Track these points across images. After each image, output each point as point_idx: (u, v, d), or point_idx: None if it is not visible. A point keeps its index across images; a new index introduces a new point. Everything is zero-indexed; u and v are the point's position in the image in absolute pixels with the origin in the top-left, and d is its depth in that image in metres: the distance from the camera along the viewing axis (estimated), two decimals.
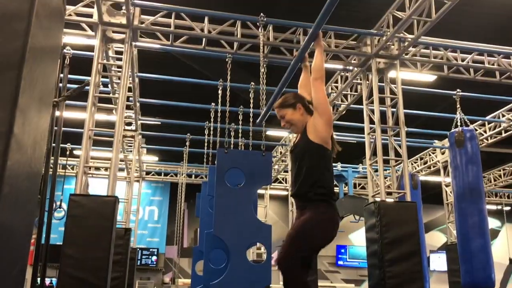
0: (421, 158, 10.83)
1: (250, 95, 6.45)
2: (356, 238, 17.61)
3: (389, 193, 5.32)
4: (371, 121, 5.71)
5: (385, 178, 5.31)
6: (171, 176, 12.53)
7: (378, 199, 5.11)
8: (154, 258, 15.95)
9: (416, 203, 4.99)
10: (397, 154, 5.61)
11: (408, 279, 4.68)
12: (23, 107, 1.37)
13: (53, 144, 4.82)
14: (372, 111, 5.62)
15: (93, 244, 4.22)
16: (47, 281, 11.13)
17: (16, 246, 1.42)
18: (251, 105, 6.71)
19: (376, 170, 5.29)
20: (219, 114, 7.05)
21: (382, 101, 5.70)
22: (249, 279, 4.88)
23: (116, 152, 4.55)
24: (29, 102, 1.43)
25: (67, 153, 9.10)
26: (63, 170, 10.76)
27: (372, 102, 5.62)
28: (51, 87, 1.75)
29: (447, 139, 9.64)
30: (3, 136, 1.28)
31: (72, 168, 11.59)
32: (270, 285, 5.08)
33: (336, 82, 7.23)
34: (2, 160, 1.28)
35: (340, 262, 17.74)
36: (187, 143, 9.05)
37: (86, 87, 4.95)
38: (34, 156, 1.54)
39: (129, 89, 6.79)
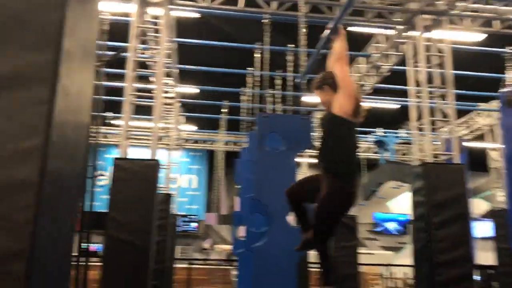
0: (464, 123, 10.41)
1: (289, 57, 6.30)
2: (395, 205, 17.39)
3: (435, 156, 5.12)
4: (416, 82, 5.46)
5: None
6: (209, 144, 12.59)
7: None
8: (194, 224, 16.28)
9: (464, 165, 4.78)
10: (443, 116, 5.37)
11: (456, 243, 4.54)
12: (68, 50, 1.32)
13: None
14: (417, 71, 5.36)
15: (137, 207, 4.27)
16: (93, 247, 11.54)
17: (68, 195, 1.39)
18: (291, 69, 6.59)
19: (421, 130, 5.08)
20: (256, 79, 6.97)
21: (427, 61, 5.43)
22: (290, 243, 4.85)
23: (157, 117, 4.54)
24: (73, 47, 1.37)
25: (109, 121, 9.25)
26: (105, 139, 10.99)
27: (417, 62, 5.36)
28: (92, 37, 1.69)
29: (492, 101, 9.24)
30: (49, 80, 1.24)
31: (111, 138, 11.79)
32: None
33: (378, 42, 6.94)
34: (48, 105, 1.23)
35: (378, 229, 17.62)
36: (224, 110, 9.01)
37: (124, 53, 4.95)
38: (80, 106, 1.49)
39: (167, 56, 6.74)
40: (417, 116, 5.22)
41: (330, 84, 3.30)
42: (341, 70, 3.24)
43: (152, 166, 4.43)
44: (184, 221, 16.21)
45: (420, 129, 5.23)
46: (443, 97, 5.47)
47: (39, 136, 1.18)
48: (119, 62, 5.71)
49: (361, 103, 3.31)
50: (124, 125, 4.51)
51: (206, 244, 16.45)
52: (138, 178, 4.34)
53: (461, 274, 4.46)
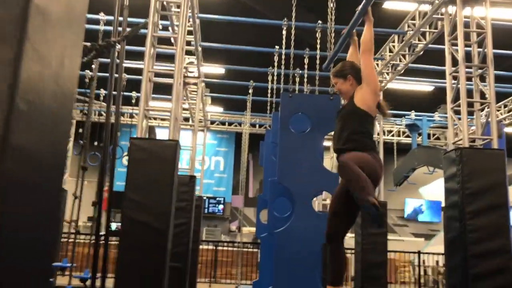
0: (505, 106, 9.86)
1: (317, 35, 6.00)
2: (427, 192, 16.93)
3: (471, 141, 4.78)
4: (454, 61, 5.09)
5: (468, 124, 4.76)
6: (235, 125, 12.44)
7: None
8: (220, 206, 16.30)
9: (504, 151, 4.44)
10: (482, 98, 5.01)
11: (492, 233, 4.23)
12: (41, 7, 1.13)
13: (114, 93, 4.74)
14: (455, 49, 4.99)
15: (155, 188, 4.14)
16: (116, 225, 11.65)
17: (44, 174, 1.22)
18: (318, 47, 6.29)
19: (457, 113, 4.75)
20: (283, 58, 6.69)
21: (466, 38, 5.05)
22: (314, 228, 4.67)
23: (176, 96, 4.37)
24: (50, 5, 1.18)
25: (133, 101, 9.20)
26: (130, 119, 10.98)
27: (455, 39, 4.99)
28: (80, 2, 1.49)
29: None
30: (13, 38, 1.05)
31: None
32: None
33: (414, 19, 6.55)
34: (13, 67, 1.05)
35: (409, 216, 17.24)
36: (250, 91, 8.80)
37: (144, 29, 4.77)
38: (63, 73, 1.31)
39: (190, 33, 6.56)
40: (454, 97, 4.87)
41: (354, 75, 3.30)
42: (367, 63, 3.22)
43: (171, 147, 4.28)
44: (211, 203, 16.24)
45: (456, 112, 4.89)
46: (481, 78, 5.11)
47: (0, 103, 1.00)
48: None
49: (382, 100, 3.42)
50: (142, 102, 4.35)
51: (233, 226, 16.47)
52: (156, 158, 4.20)
53: (498, 267, 4.16)
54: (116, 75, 4.58)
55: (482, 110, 5.08)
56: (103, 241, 4.52)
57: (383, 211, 3.27)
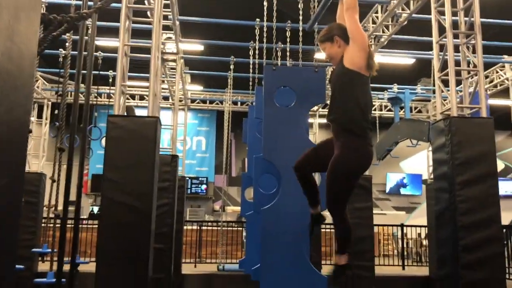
0: (487, 77, 9.84)
1: (299, 6, 5.80)
2: (408, 165, 17.08)
3: (461, 111, 4.68)
4: (440, 30, 4.96)
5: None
6: (217, 104, 12.20)
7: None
8: (203, 186, 16.17)
9: (493, 119, 4.36)
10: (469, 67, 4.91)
11: (483, 204, 4.17)
12: None
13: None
14: (443, 18, 4.84)
15: (136, 167, 3.95)
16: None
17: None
18: (301, 19, 6.10)
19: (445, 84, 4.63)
20: (265, 31, 6.49)
21: (453, 5, 4.91)
22: (302, 204, 4.54)
23: (155, 69, 4.15)
24: None
25: (110, 80, 8.88)
26: (108, 99, 10.65)
27: (441, 6, 4.84)
28: None
29: None
30: None
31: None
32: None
33: None
34: None
35: (391, 190, 17.42)
36: (231, 67, 8.55)
37: (118, 3, 4.49)
38: (18, 28, 1.11)
39: (167, 6, 6.28)
40: (441, 64, 4.75)
41: (341, 35, 3.09)
42: (352, 21, 3.00)
43: (151, 124, 4.08)
44: (194, 183, 16.10)
45: (443, 82, 4.78)
46: (467, 48, 5.00)
47: None
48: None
49: (373, 56, 3.12)
50: (118, 80, 4.12)
51: (216, 206, 16.38)
52: (136, 136, 4.00)
53: (488, 237, 4.12)
54: (85, 53, 4.31)
55: (471, 78, 4.98)
56: (86, 225, 4.30)
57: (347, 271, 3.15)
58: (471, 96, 4.64)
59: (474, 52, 4.90)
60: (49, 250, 6.30)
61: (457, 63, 4.82)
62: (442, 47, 4.86)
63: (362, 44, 3.01)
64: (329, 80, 3.35)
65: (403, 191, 17.55)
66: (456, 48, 4.87)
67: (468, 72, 4.80)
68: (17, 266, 6.10)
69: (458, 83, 4.84)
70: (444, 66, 4.84)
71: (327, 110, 3.27)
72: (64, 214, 4.16)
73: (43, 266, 8.98)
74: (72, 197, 4.17)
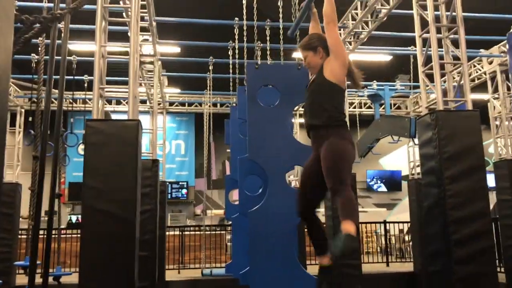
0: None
1: (279, 3, 5.70)
2: (387, 162, 17.22)
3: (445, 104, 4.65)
4: (422, 24, 4.93)
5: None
6: (196, 106, 12.02)
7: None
8: (184, 191, 15.95)
9: (479, 111, 4.34)
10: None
11: (472, 197, 4.14)
12: None
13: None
14: (426, 13, 4.80)
15: (117, 173, 3.78)
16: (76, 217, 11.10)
17: None
18: (280, 17, 6.01)
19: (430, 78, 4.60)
20: (245, 30, 6.37)
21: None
22: (289, 204, 4.45)
23: (134, 71, 3.99)
24: None
25: (85, 85, 8.63)
26: (83, 105, 10.37)
27: (423, 0, 4.82)
28: None
29: (495, 46, 8.76)
30: None
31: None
32: None
33: None
34: None
35: (371, 187, 17.53)
36: (210, 67, 8.40)
37: (93, 4, 4.31)
38: None
39: (143, 7, 6.11)
40: (424, 58, 4.72)
41: (323, 47, 3.21)
42: (333, 36, 3.13)
43: (132, 127, 3.92)
44: (174, 188, 15.88)
45: (426, 76, 4.75)
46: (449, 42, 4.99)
47: None
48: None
49: (355, 70, 3.27)
50: (96, 83, 3.95)
51: (198, 210, 16.19)
52: (116, 141, 3.82)
53: (479, 230, 4.09)
54: (58, 57, 4.10)
55: (455, 70, 4.96)
56: (64, 235, 4.10)
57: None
58: (456, 89, 4.62)
59: (455, 45, 4.89)
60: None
61: (439, 57, 4.80)
62: (424, 42, 4.83)
63: (343, 61, 3.15)
64: (307, 88, 3.41)
65: (382, 188, 17.69)
66: (438, 43, 4.85)
67: (452, 65, 4.78)
68: None
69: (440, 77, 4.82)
70: (426, 60, 4.81)
71: (305, 115, 3.33)
72: (35, 225, 3.94)
73: (21, 279, 8.66)
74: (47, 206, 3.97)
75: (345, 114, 3.23)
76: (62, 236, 9.92)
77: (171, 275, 9.58)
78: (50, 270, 6.16)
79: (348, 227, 2.80)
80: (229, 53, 7.36)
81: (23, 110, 10.35)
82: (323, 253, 3.22)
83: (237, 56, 7.14)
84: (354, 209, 2.98)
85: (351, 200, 2.93)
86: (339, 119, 3.11)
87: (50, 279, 5.68)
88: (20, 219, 9.50)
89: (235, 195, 6.64)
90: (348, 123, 3.15)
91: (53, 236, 4.29)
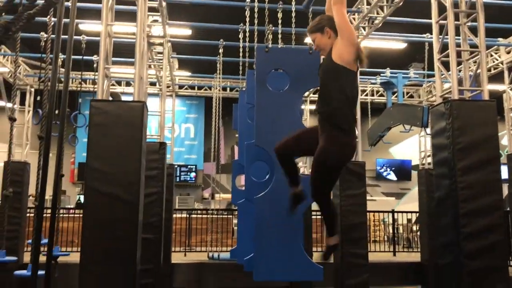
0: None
1: None
2: (398, 151, 17.03)
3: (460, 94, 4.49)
4: (440, 9, 4.75)
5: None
6: (205, 90, 11.90)
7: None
8: (192, 174, 15.95)
9: (495, 102, 4.18)
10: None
11: (484, 190, 4.02)
12: None
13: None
14: None
15: (122, 155, 3.71)
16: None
17: None
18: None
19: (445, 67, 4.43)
20: (256, 12, 6.23)
21: None
22: None
23: (140, 51, 3.89)
24: None
25: (95, 65, 8.55)
26: (92, 85, 10.33)
27: None
28: None
29: None
30: None
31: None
32: None
33: None
34: None
35: (381, 176, 17.39)
36: (220, 51, 8.27)
37: None
38: None
39: None
40: (441, 45, 4.56)
41: (331, 27, 3.13)
42: (340, 15, 3.03)
43: (137, 109, 3.83)
44: (183, 171, 15.88)
45: (442, 64, 4.59)
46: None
47: None
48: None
49: (362, 50, 3.16)
50: (101, 62, 3.86)
51: (206, 194, 16.20)
52: (121, 122, 3.75)
53: (491, 223, 3.97)
54: (65, 36, 4.01)
55: (472, 58, 4.79)
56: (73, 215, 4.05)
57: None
58: (472, 79, 4.47)
59: (473, 33, 4.72)
60: (45, 240, 6.05)
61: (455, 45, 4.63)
62: (441, 29, 4.66)
63: (350, 39, 3.04)
64: (317, 72, 3.40)
65: (392, 177, 17.54)
66: (455, 30, 4.67)
67: (469, 54, 4.61)
68: (10, 258, 5.86)
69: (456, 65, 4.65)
70: (442, 48, 4.65)
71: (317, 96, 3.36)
72: (40, 204, 3.90)
73: (29, 257, 8.73)
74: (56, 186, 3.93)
75: (351, 105, 3.13)
76: (70, 215, 9.99)
77: (177, 257, 9.60)
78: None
79: (329, 240, 3.30)
80: (240, 36, 7.21)
81: (32, 89, 10.33)
82: (295, 183, 3.53)
83: (247, 40, 7.00)
84: (335, 224, 3.37)
85: (332, 216, 3.33)
86: (342, 115, 3.06)
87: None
88: (30, 197, 9.55)
89: (242, 180, 6.56)
90: (353, 116, 3.16)
91: (56, 215, 4.24)
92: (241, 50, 7.28)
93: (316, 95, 3.56)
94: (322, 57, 4.02)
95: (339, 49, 3.05)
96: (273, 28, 6.90)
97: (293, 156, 3.50)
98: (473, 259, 3.93)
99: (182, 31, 9.54)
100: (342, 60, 3.04)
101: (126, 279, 3.63)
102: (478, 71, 4.42)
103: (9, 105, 9.45)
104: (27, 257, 8.86)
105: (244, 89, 6.87)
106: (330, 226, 3.40)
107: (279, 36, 6.67)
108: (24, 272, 4.17)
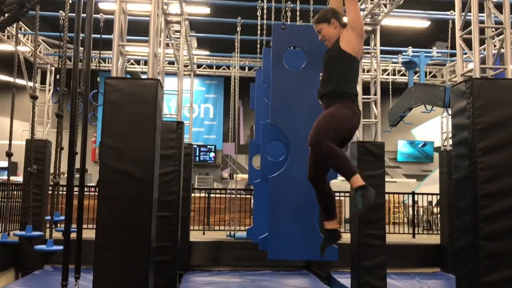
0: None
1: None
2: (419, 132, 16.74)
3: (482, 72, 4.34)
4: None
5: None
6: (223, 69, 11.86)
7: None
8: (212, 154, 16.03)
9: None
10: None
11: (504, 171, 3.90)
12: None
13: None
14: None
15: (136, 133, 3.72)
16: None
17: None
18: None
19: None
20: None
21: None
22: None
23: (155, 27, 3.86)
24: None
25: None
26: (111, 64, 10.36)
27: None
28: None
29: None
30: None
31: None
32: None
33: None
34: None
35: (401, 157, 17.17)
36: (238, 29, 8.18)
37: None
38: None
39: None
40: (463, 21, 4.40)
41: (337, 18, 3.37)
42: (353, 7, 3.25)
43: (151, 86, 3.82)
44: (202, 151, 15.97)
45: (464, 41, 4.43)
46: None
47: None
48: None
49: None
50: (116, 39, 3.85)
51: (225, 174, 16.29)
52: (135, 100, 3.75)
53: (509, 207, 3.87)
54: (83, 15, 4.01)
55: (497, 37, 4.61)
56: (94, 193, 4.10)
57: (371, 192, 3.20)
58: (495, 57, 4.31)
59: (498, 9, 4.54)
60: (62, 217, 6.17)
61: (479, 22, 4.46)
62: (464, 5, 4.49)
63: (361, 32, 3.30)
64: (323, 59, 3.54)
65: (413, 158, 17.31)
66: (479, 6, 4.50)
67: (493, 31, 4.44)
68: (36, 233, 6.00)
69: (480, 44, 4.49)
70: (465, 25, 4.49)
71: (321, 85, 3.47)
72: (69, 183, 3.96)
73: (55, 234, 8.94)
74: (78, 164, 4.00)
75: (356, 86, 3.36)
76: (91, 193, 10.16)
77: (196, 235, 9.72)
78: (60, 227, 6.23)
79: (355, 181, 3.02)
80: (258, 13, 7.11)
81: (53, 68, 10.44)
82: (329, 218, 3.46)
83: (265, 17, 6.90)
84: (349, 165, 3.10)
85: (341, 158, 3.06)
86: (347, 91, 3.24)
87: (59, 234, 5.74)
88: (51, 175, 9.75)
89: (259, 160, 6.54)
90: (359, 95, 3.26)
91: (75, 193, 4.31)
92: (259, 27, 7.19)
93: None
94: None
95: (349, 39, 3.26)
96: (292, 5, 6.78)
97: (324, 173, 3.46)
98: (491, 242, 3.85)
99: (200, 9, 9.46)
100: (352, 49, 3.26)
101: (140, 255, 3.68)
102: (502, 50, 4.25)
103: (30, 83, 9.57)
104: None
105: (261, 68, 6.80)
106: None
107: (297, 13, 6.55)
108: (43, 246, 4.26)
